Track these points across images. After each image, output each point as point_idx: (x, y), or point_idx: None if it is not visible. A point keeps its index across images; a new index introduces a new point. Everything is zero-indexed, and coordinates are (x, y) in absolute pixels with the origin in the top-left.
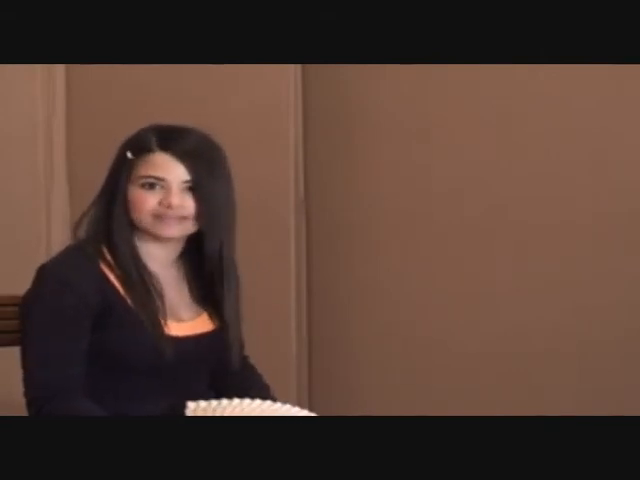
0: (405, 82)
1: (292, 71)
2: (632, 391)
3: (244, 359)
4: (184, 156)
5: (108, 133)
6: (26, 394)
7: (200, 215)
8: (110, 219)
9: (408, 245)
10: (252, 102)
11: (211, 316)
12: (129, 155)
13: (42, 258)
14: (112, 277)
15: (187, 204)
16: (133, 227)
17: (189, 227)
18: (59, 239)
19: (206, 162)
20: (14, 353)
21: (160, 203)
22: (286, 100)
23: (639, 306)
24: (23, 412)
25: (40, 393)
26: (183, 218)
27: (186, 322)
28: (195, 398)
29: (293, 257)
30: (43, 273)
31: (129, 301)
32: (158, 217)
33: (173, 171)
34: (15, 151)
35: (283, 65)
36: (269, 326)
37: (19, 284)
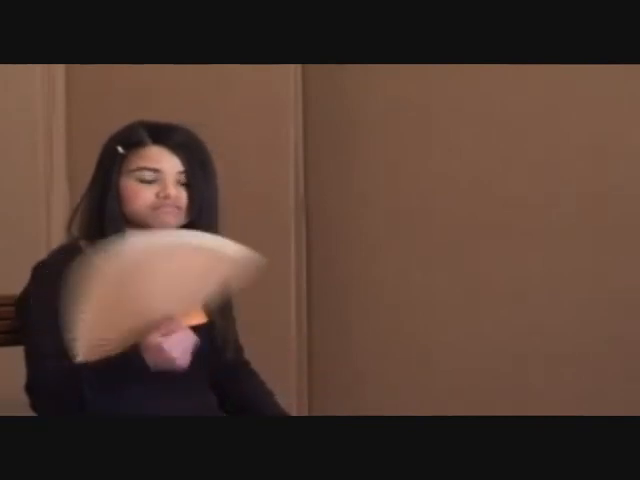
0: (405, 82)
1: (292, 71)
2: (632, 391)
3: (245, 365)
4: (177, 148)
5: (108, 133)
6: (27, 387)
7: (191, 206)
8: (102, 213)
9: (408, 245)
10: (252, 102)
11: (205, 309)
12: (120, 150)
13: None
14: None
15: (182, 195)
16: (126, 220)
17: (182, 218)
18: (59, 239)
19: (197, 155)
20: (14, 353)
21: (157, 195)
22: (286, 100)
23: (639, 306)
24: (24, 412)
25: (38, 384)
26: (178, 208)
27: None
28: (195, 393)
29: (293, 257)
30: (40, 270)
31: None
32: (155, 209)
33: (168, 162)
34: (15, 151)
35: (283, 65)
36: (269, 326)
37: (19, 284)
